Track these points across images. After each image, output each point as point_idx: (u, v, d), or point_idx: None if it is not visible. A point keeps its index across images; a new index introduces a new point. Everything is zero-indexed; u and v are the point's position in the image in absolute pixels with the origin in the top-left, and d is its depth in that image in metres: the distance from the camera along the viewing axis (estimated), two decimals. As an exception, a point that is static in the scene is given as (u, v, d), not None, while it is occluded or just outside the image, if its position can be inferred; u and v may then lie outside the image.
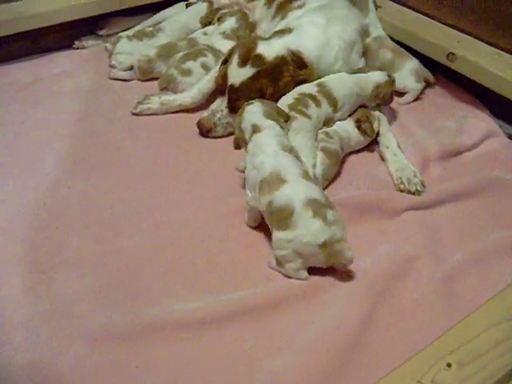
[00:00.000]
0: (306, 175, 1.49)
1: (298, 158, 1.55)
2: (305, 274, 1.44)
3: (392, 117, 2.05)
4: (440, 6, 2.30)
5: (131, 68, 2.26)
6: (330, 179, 1.74)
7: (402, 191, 1.72)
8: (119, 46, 2.28)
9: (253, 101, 1.69)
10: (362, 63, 2.07)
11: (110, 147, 1.89)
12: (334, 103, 1.83)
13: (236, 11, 2.37)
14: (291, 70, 1.87)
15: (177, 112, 2.06)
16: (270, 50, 1.87)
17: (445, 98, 2.22)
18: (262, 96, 1.82)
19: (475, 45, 2.16)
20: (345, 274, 1.45)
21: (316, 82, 1.87)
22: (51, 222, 1.59)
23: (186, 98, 2.05)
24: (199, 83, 2.07)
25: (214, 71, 2.05)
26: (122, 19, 2.54)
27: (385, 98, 1.93)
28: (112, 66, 2.29)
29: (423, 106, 2.17)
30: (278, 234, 1.43)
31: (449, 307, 1.41)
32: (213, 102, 1.99)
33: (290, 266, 1.43)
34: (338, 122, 1.86)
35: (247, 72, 1.86)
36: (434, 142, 1.93)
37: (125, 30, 2.46)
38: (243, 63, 1.87)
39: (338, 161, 1.78)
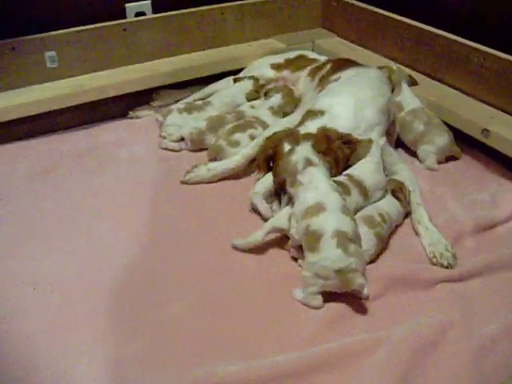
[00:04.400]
0: (344, 210, 1.67)
1: (342, 195, 1.74)
2: (320, 300, 1.60)
3: (426, 188, 2.11)
4: (475, 84, 2.39)
5: (181, 139, 2.37)
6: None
7: (434, 265, 1.77)
8: (170, 119, 2.39)
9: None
10: (381, 141, 2.07)
11: (162, 215, 1.99)
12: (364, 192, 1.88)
13: (282, 87, 2.49)
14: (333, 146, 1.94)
15: (224, 179, 2.17)
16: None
17: (478, 170, 2.28)
18: None
19: (509, 121, 2.23)
20: (374, 338, 1.51)
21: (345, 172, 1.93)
22: (105, 286, 1.68)
23: (231, 162, 2.17)
24: (243, 149, 2.18)
25: (260, 139, 2.16)
26: (173, 91, 2.70)
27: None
28: (162, 137, 2.40)
29: (457, 178, 2.22)
30: (307, 257, 1.64)
31: (480, 380, 1.43)
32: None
33: (309, 290, 1.60)
34: (390, 203, 1.91)
35: None
36: (468, 215, 1.98)
37: (176, 102, 2.61)
38: None
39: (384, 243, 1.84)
